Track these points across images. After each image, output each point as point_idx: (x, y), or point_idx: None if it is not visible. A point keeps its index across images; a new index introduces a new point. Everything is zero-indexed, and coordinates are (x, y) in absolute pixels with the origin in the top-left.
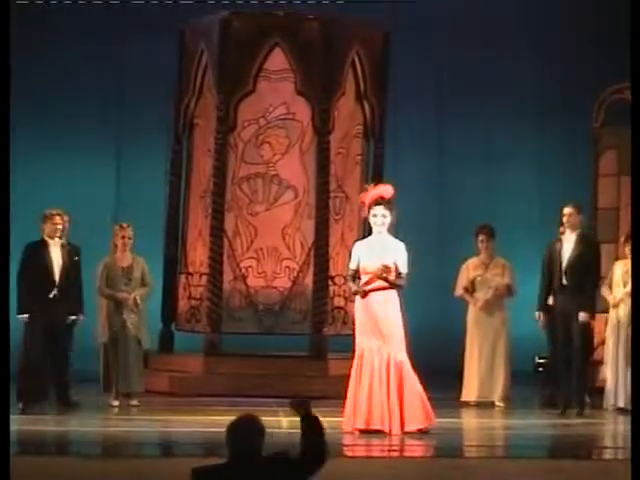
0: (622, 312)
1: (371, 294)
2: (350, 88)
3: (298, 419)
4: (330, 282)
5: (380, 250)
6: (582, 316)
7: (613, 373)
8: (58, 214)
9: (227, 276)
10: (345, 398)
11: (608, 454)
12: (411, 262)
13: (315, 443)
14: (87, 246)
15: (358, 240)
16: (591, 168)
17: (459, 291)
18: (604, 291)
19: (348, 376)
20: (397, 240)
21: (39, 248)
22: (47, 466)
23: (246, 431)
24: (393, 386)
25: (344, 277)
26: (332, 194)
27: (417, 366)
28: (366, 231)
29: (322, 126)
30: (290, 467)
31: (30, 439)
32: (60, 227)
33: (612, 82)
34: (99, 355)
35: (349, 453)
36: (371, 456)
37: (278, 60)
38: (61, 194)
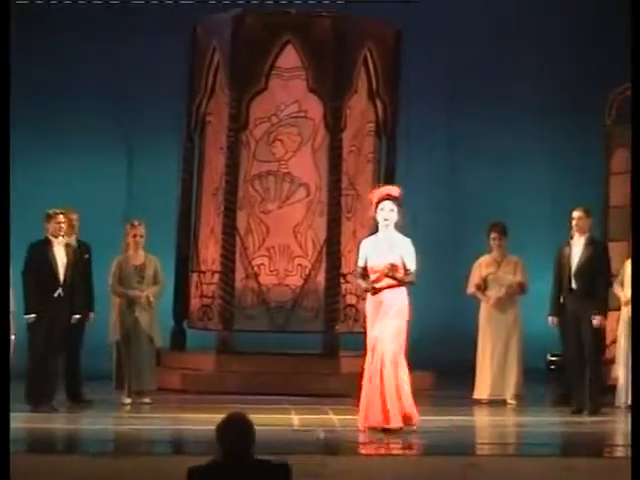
0: None
1: (380, 293)
2: (362, 86)
3: (310, 417)
4: (342, 280)
5: (387, 247)
6: (596, 320)
7: (625, 371)
8: (62, 213)
9: (239, 274)
10: (358, 396)
11: (620, 452)
12: (423, 260)
13: None
14: (99, 244)
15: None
16: (602, 166)
17: (471, 289)
18: (616, 289)
19: (360, 374)
20: (404, 237)
21: (43, 247)
22: (59, 464)
23: (236, 430)
24: (388, 381)
25: (353, 275)
26: (344, 192)
27: (429, 364)
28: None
29: (334, 124)
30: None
31: (42, 437)
32: (64, 226)
33: (623, 80)
34: (111, 353)
35: (363, 451)
36: (384, 454)
37: (290, 58)
38: (61, 194)
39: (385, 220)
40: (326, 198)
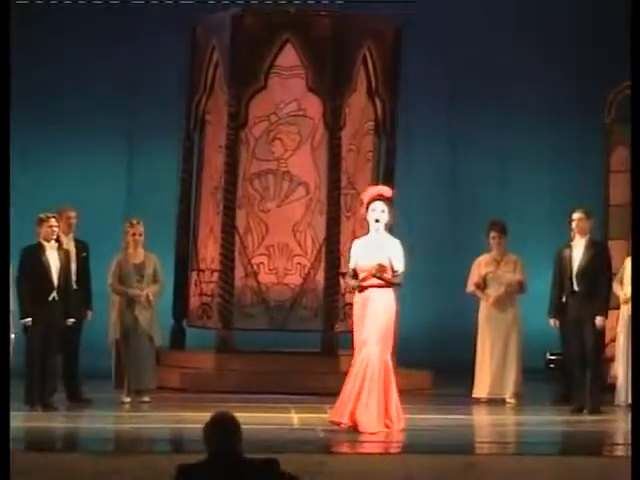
0: None
1: (367, 291)
2: (361, 84)
3: (310, 416)
4: (341, 279)
5: (376, 248)
6: (599, 321)
7: (624, 369)
8: (53, 217)
9: (238, 273)
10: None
11: (619, 451)
12: (423, 259)
13: None
14: (99, 243)
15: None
16: (602, 165)
17: (471, 287)
18: (615, 287)
19: None
20: (393, 238)
21: (35, 252)
22: (59, 463)
23: (222, 429)
24: (369, 383)
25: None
26: (343, 191)
27: (428, 363)
28: None
29: (333, 122)
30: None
31: (42, 436)
32: (56, 229)
33: (624, 79)
34: (111, 352)
35: (362, 450)
36: (383, 452)
37: (289, 56)
38: (61, 193)
39: (376, 221)
40: (325, 197)
